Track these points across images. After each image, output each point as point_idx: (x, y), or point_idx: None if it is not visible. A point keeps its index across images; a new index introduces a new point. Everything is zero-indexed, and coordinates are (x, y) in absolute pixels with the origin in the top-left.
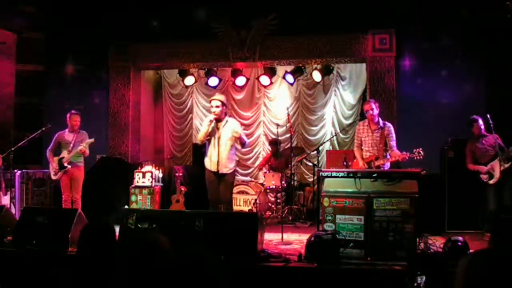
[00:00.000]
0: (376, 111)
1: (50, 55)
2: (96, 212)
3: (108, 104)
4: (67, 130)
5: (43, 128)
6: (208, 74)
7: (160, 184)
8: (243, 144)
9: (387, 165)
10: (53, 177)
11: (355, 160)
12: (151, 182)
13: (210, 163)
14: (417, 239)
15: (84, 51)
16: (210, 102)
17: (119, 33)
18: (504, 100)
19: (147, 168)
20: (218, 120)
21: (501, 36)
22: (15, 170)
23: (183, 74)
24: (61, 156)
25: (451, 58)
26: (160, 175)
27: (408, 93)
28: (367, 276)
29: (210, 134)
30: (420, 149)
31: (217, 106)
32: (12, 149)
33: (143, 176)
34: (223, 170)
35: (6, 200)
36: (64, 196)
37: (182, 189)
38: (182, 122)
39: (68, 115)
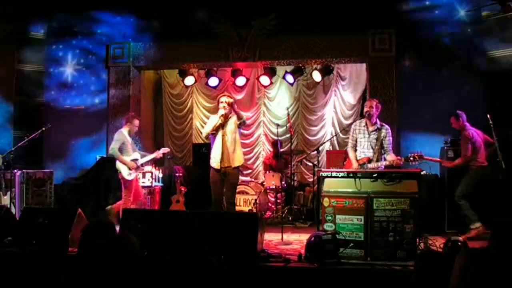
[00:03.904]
0: (375, 111)
1: (50, 55)
2: (96, 212)
3: (108, 104)
4: (127, 131)
5: (43, 128)
6: (208, 74)
7: (160, 184)
8: (241, 119)
9: (382, 168)
10: (129, 178)
11: (347, 160)
12: (151, 182)
13: (214, 161)
14: (417, 239)
15: (84, 51)
16: (220, 98)
17: (119, 33)
18: (504, 100)
19: (147, 168)
20: (226, 116)
21: (501, 36)
22: (15, 170)
23: (183, 74)
24: (133, 157)
25: (451, 58)
26: (160, 175)
27: (408, 93)
28: (367, 276)
29: (216, 129)
30: (416, 154)
31: (227, 102)
32: (12, 149)
33: (143, 176)
34: (230, 164)
35: (6, 200)
36: (133, 197)
37: (182, 189)
38: (182, 122)
39: (132, 116)
